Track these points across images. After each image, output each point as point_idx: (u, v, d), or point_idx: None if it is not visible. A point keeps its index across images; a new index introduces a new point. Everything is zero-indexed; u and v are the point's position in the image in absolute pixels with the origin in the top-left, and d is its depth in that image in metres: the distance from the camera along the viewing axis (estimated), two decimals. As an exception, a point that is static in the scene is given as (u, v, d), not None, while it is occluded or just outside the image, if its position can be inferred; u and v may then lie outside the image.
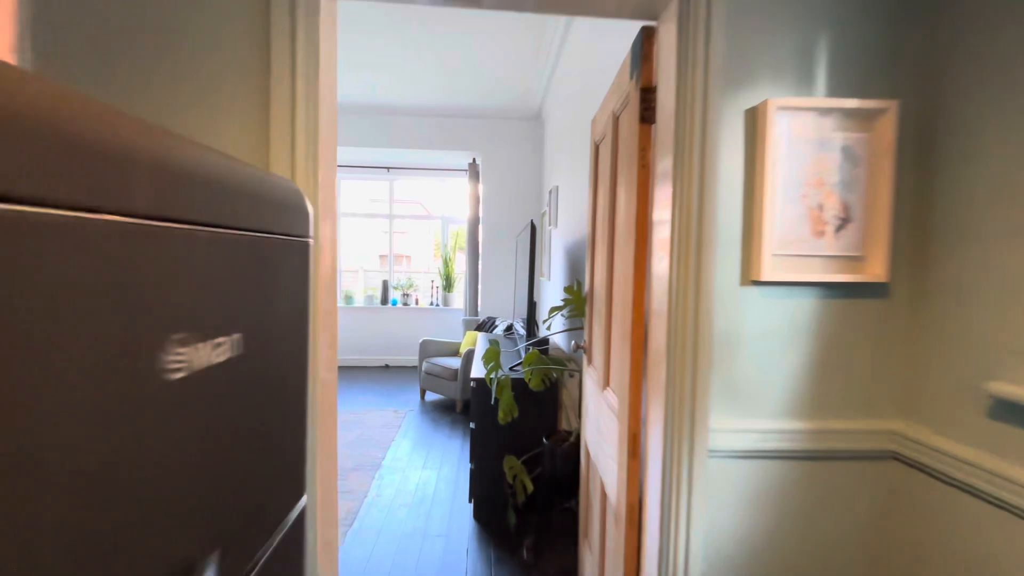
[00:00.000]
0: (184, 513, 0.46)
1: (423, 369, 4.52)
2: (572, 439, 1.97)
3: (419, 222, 7.22)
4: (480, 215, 5.38)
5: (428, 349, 4.65)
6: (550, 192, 4.02)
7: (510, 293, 5.27)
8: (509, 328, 4.37)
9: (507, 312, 5.28)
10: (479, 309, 5.41)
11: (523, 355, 2.73)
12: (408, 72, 4.08)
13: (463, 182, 5.84)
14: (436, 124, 5.21)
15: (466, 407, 4.28)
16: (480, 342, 3.64)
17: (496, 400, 2.05)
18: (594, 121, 1.71)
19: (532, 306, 2.77)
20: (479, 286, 5.43)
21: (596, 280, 1.64)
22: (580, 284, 1.98)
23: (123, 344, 0.37)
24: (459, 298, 6.12)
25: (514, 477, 2.10)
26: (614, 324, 1.38)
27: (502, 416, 2.07)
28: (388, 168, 5.82)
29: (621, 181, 1.34)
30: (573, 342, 1.75)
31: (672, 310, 1.06)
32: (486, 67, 3.93)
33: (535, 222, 3.47)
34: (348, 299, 5.95)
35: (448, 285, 6.01)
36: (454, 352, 4.75)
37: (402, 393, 4.82)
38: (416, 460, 3.20)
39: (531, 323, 2.74)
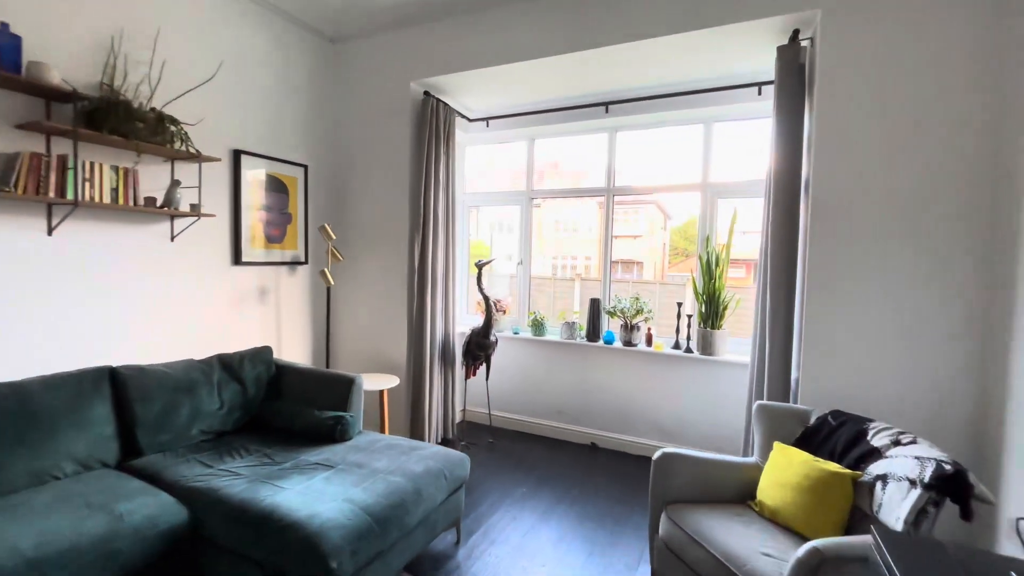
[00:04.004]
0: None
1: (662, 529, 1.87)
2: None
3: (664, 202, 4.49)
4: (804, 173, 2.39)
5: (673, 475, 1.95)
6: None
7: (906, 360, 2.11)
8: (945, 480, 1.34)
9: (885, 406, 2.11)
10: (797, 385, 2.36)
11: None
12: None
13: (753, 113, 2.92)
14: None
15: None
16: None
17: None
18: None
19: None
20: (795, 328, 2.40)
21: None
22: None
23: None
24: (733, 341, 3.19)
25: None
26: None
27: None
28: (606, 105, 3.34)
29: None
30: None
31: None
32: None
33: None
34: (538, 327, 3.70)
35: (712, 316, 3.14)
36: (740, 493, 1.93)
37: (618, 540, 2.25)
38: None
39: None
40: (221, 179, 2.79)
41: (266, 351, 2.74)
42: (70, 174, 2.04)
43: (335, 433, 2.31)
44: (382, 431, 3.05)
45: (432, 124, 3.27)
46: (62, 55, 2.10)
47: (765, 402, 2.12)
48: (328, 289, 3.23)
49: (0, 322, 1.98)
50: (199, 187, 2.49)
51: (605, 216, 3.60)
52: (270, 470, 1.98)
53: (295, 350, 3.30)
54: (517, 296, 3.95)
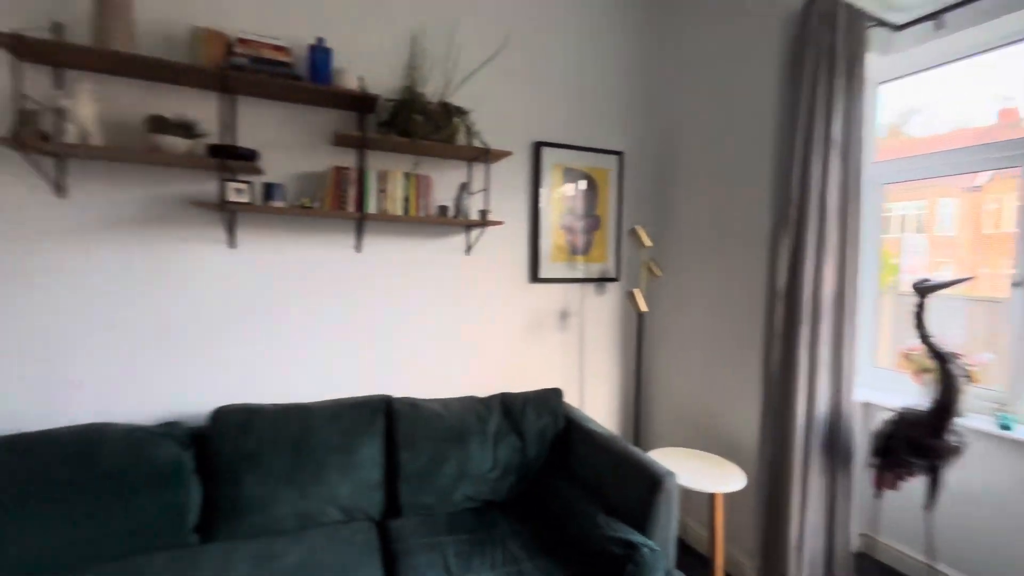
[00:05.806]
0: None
1: None
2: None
3: None
4: None
5: None
6: None
7: None
8: None
9: None
10: None
11: None
12: None
13: None
14: None
15: None
16: None
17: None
18: None
19: None
20: None
21: None
22: None
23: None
24: None
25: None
26: None
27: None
28: None
29: None
30: None
31: None
32: None
33: None
34: None
35: None
36: None
37: None
38: None
39: None
40: (515, 179, 2.33)
41: (553, 396, 2.07)
42: (367, 185, 1.89)
43: (621, 574, 1.37)
44: (711, 553, 1.90)
45: (822, 44, 1.89)
46: (366, 63, 2.00)
47: None
48: (639, 317, 2.33)
49: (299, 339, 2.01)
50: (487, 190, 2.05)
51: None
52: (509, 623, 1.23)
53: (598, 397, 2.56)
54: (1005, 348, 1.97)
